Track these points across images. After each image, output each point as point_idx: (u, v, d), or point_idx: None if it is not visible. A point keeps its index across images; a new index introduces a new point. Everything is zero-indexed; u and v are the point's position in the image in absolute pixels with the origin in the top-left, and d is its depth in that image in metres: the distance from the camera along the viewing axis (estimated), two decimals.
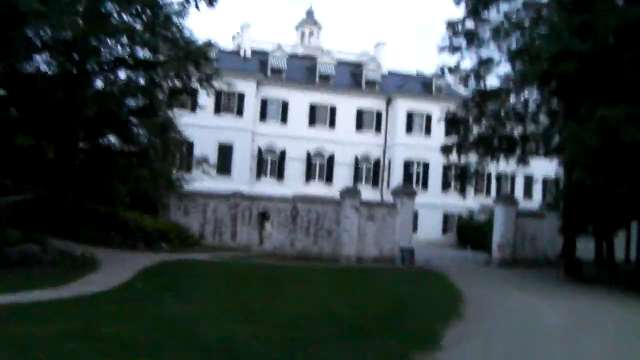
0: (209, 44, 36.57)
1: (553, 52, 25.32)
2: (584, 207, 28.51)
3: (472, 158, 44.41)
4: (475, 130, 44.22)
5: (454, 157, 44.13)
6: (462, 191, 47.14)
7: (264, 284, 24.51)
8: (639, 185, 23.53)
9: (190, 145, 57.98)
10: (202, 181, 51.69)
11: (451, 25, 41.39)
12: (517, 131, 43.86)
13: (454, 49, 41.85)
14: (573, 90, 27.49)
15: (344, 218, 36.82)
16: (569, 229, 33.11)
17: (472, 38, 41.50)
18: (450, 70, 42.70)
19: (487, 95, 42.86)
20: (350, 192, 37.76)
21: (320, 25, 72.26)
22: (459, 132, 44.40)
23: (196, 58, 34.79)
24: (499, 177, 63.38)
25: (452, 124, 44.41)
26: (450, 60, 42.36)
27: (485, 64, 42.06)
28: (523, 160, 44.47)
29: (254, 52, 64.79)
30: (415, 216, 62.62)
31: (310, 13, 72.55)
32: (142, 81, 36.30)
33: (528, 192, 64.91)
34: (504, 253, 39.08)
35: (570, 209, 29.96)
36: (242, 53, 64.73)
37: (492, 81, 43.73)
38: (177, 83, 36.74)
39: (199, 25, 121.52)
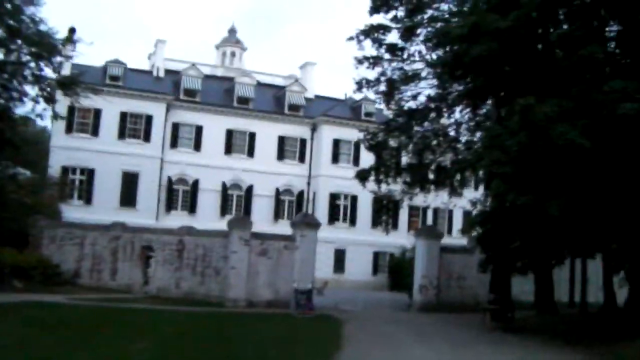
0: (69, 38, 30.36)
1: (465, 30, 19.80)
2: (508, 236, 22.68)
3: (398, 188, 38.64)
4: (404, 157, 38.83)
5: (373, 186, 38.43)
6: (385, 225, 41.42)
7: (93, 332, 18.58)
8: (575, 204, 17.76)
9: (90, 173, 51.93)
10: (100, 214, 45.39)
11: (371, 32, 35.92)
12: (448, 158, 38.50)
13: (373, 60, 36.44)
14: (492, 83, 22.01)
15: (231, 253, 30.66)
16: (495, 264, 27.28)
17: (394, 49, 36.17)
18: (369, 83, 37.05)
19: (413, 115, 37.35)
20: (239, 222, 31.72)
21: (243, 46, 66.48)
22: (380, 157, 38.78)
23: (45, 51, 28.80)
24: (435, 212, 57.91)
25: (373, 148, 38.61)
26: (371, 74, 36.71)
27: (409, 79, 36.77)
28: (456, 192, 39.12)
29: (168, 72, 58.75)
30: (342, 254, 57.31)
31: (232, 31, 66.72)
32: None
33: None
34: (427, 296, 33.24)
35: (491, 239, 24.15)
36: (155, 73, 58.66)
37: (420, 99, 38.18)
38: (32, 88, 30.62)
39: (117, 42, 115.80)
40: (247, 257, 30.48)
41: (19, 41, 29.27)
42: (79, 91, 32.67)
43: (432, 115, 37.63)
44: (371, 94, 39.54)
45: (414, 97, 36.99)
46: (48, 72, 31.19)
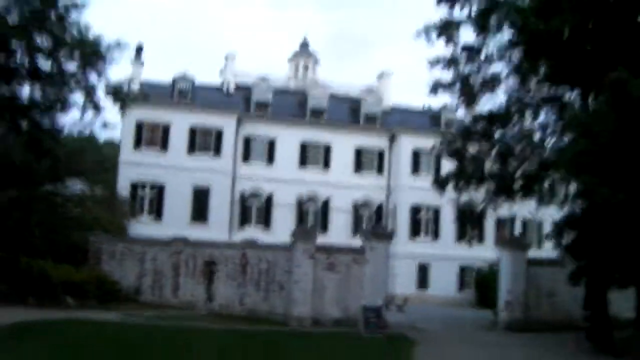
0: (116, 44, 28.56)
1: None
2: (602, 242, 19.27)
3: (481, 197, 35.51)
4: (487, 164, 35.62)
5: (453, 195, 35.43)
6: (469, 237, 38.32)
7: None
8: None
9: (160, 188, 50.56)
10: (170, 230, 43.65)
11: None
12: (534, 164, 35.13)
13: (448, 61, 33.46)
14: (576, 63, 18.82)
15: (295, 267, 28.13)
16: (589, 276, 23.78)
17: (470, 49, 33.11)
18: (444, 85, 33.99)
19: (493, 119, 34.14)
20: (303, 234, 29.12)
21: (316, 59, 64.32)
22: (460, 163, 35.65)
23: (89, 53, 27.11)
24: (524, 223, 54.04)
25: (452, 155, 35.49)
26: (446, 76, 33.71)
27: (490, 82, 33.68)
28: (544, 200, 35.74)
29: (238, 87, 57.06)
30: (425, 270, 54.12)
31: (304, 45, 64.78)
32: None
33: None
34: (513, 313, 29.83)
35: (583, 246, 20.78)
36: (225, 87, 57.07)
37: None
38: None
39: (198, 59, 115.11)
40: (312, 272, 27.89)
41: (64, 50, 27.63)
42: (127, 99, 30.80)
43: (515, 119, 34.37)
44: (447, 98, 36.24)
45: (494, 100, 33.87)
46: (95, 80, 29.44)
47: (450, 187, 34.92)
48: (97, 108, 29.33)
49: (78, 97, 29.45)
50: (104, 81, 28.92)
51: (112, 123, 30.38)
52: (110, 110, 32.92)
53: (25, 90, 29.39)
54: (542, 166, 33.64)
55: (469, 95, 34.15)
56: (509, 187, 34.82)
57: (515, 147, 34.48)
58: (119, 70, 74.96)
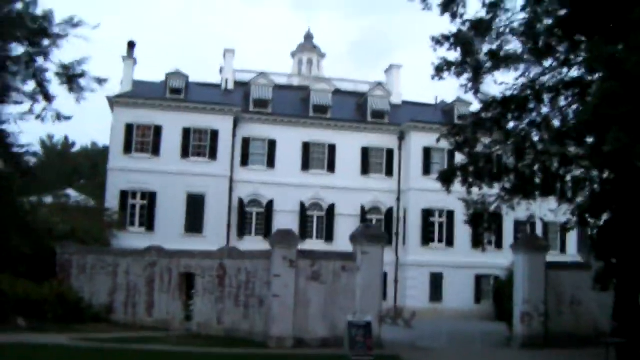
0: (69, 21, 24.77)
1: None
2: (636, 228, 15.02)
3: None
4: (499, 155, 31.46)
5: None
6: (483, 242, 34.15)
7: None
8: None
9: (151, 196, 46.91)
10: (163, 242, 39.87)
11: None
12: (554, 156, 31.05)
13: (455, 39, 29.48)
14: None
15: (273, 278, 24.21)
16: (620, 277, 19.50)
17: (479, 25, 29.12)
18: (450, 66, 29.93)
19: (507, 105, 29.99)
20: (282, 238, 25.15)
21: (321, 52, 60.37)
22: (470, 155, 31.55)
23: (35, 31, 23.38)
24: (545, 226, 49.48)
25: (460, 147, 31.32)
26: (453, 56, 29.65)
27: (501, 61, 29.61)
28: (566, 197, 31.61)
29: (238, 84, 53.44)
30: (438, 279, 49.78)
31: (308, 37, 60.82)
32: None
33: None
34: (531, 326, 25.71)
35: (612, 238, 16.59)
36: (223, 85, 53.43)
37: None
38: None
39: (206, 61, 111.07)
40: (293, 282, 24.01)
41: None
42: (84, 85, 26.89)
43: (531, 105, 30.21)
44: (454, 81, 32.04)
45: (507, 84, 29.72)
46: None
47: (460, 184, 30.91)
48: (47, 97, 25.59)
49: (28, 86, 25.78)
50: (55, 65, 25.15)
51: (66, 115, 26.32)
52: (98, 112, 28.82)
53: None
54: (564, 160, 29.61)
55: (478, 77, 30.13)
56: (527, 183, 30.80)
57: (532, 137, 30.44)
58: (106, 67, 71.57)
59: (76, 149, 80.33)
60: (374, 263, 24.26)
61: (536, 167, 30.71)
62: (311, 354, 22.12)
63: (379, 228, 25.09)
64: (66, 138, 77.76)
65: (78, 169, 72.15)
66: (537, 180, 30.91)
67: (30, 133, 77.70)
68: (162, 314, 29.61)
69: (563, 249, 51.99)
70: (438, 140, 32.81)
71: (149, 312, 30.02)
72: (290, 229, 25.94)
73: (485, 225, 34.55)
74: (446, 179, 30.61)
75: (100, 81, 26.10)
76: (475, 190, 31.54)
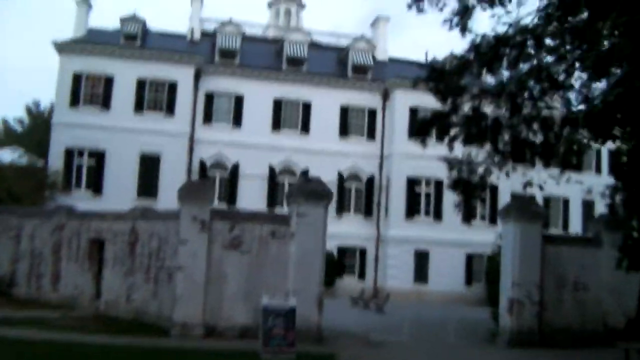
0: None
1: None
2: None
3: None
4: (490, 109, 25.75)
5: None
6: (464, 210, 28.47)
7: None
8: None
9: (100, 155, 41.31)
10: (113, 207, 34.26)
11: None
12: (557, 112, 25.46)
13: None
14: None
15: (179, 245, 18.53)
16: None
17: None
18: None
19: (499, 46, 24.14)
20: (192, 191, 19.33)
21: (300, 2, 54.23)
22: (453, 104, 25.83)
23: None
24: (546, 201, 43.55)
25: (439, 92, 25.55)
26: None
27: None
28: (569, 165, 26.15)
29: (206, 36, 47.53)
30: (424, 258, 44.00)
31: None
32: None
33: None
34: (522, 318, 19.92)
35: None
36: (189, 35, 47.58)
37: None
38: None
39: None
40: (205, 251, 18.25)
41: None
42: None
43: (530, 49, 24.39)
44: (435, 13, 26.13)
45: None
46: None
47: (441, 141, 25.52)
48: None
49: None
50: None
51: None
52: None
53: None
54: (567, 120, 23.98)
55: (465, 12, 24.34)
56: (524, 145, 25.18)
57: (530, 87, 24.72)
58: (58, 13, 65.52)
59: None
60: (313, 228, 18.45)
61: (535, 125, 25.19)
62: (218, 347, 16.51)
63: (321, 183, 18.95)
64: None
65: None
66: (536, 142, 25.42)
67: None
68: (69, 289, 24.04)
69: (566, 227, 46.41)
70: (414, 84, 27.07)
71: (55, 286, 24.46)
72: (203, 180, 19.98)
73: (472, 193, 28.80)
74: (422, 130, 25.07)
75: None
76: (460, 150, 26.12)
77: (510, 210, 20.81)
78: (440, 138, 25.01)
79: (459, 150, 26.25)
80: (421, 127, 25.07)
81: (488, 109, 25.18)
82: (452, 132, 24.91)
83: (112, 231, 22.69)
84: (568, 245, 21.01)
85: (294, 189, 19.04)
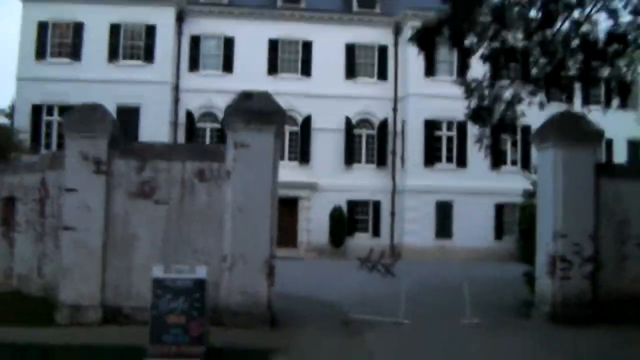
0: None
1: None
2: None
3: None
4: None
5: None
6: (486, 149, 22.85)
7: None
8: None
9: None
10: None
11: None
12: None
13: None
14: None
15: (66, 197, 13.20)
16: None
17: None
18: None
19: None
20: (80, 118, 13.65)
21: None
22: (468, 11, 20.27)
23: None
24: None
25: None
26: None
27: None
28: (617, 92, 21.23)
29: None
30: (447, 210, 38.58)
31: None
32: None
33: None
34: (567, 282, 14.09)
35: None
36: None
37: None
38: None
39: None
40: (101, 203, 12.86)
41: None
42: None
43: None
44: None
45: None
46: None
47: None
48: None
49: None
50: None
51: None
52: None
53: None
54: (613, 37, 18.87)
55: None
56: (558, 67, 19.81)
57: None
58: None
59: None
60: (258, 164, 12.81)
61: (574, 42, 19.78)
62: (115, 340, 11.25)
63: (267, 98, 13.22)
64: None
65: None
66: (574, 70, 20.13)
67: None
68: None
69: None
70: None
71: None
72: (98, 104, 14.35)
73: (498, 127, 23.21)
74: (424, 40, 19.62)
75: None
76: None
77: (549, 129, 14.80)
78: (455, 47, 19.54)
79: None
80: (424, 35, 19.48)
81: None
82: (467, 41, 19.45)
83: (23, 186, 17.49)
84: (633, 179, 15.02)
85: (229, 110, 13.42)
